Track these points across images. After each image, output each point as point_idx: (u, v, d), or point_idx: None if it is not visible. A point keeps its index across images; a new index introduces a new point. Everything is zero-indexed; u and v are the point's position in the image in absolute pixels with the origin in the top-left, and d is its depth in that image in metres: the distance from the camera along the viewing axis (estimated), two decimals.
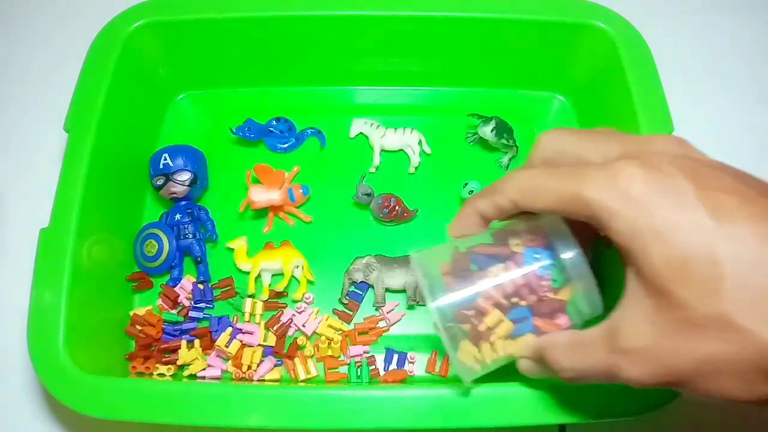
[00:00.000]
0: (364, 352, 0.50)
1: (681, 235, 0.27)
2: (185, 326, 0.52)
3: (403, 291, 0.53)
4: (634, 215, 0.28)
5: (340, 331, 0.52)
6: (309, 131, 0.61)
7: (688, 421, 0.50)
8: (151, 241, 0.54)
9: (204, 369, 0.50)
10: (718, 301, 0.26)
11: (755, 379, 0.26)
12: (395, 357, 0.51)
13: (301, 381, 0.50)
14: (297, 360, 0.50)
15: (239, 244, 0.54)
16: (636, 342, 0.29)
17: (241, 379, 0.49)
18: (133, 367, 0.49)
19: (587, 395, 0.41)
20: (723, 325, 0.26)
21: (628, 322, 0.29)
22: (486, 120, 0.57)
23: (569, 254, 0.34)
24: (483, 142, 0.60)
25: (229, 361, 0.50)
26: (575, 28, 0.55)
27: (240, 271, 0.54)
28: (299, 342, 0.51)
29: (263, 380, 0.49)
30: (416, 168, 0.59)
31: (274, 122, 0.61)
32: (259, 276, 0.54)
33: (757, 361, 0.26)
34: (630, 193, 0.28)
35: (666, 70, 0.53)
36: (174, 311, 0.53)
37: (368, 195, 0.55)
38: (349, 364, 0.50)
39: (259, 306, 0.52)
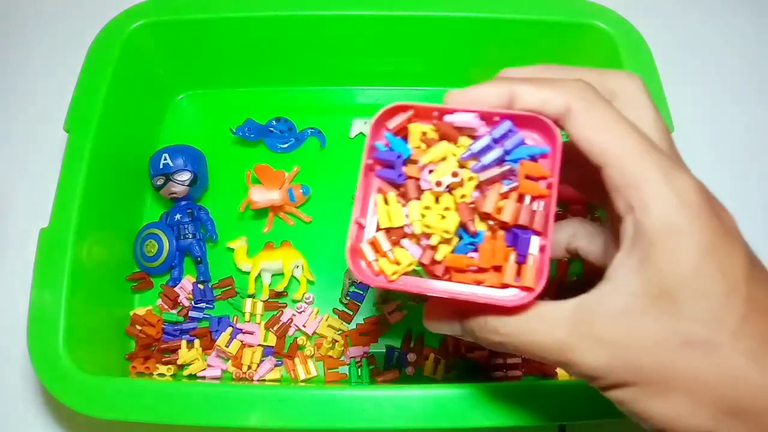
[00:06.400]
0: (365, 352, 0.51)
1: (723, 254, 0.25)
2: (185, 326, 0.52)
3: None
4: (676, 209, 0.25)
5: (340, 331, 0.52)
6: (309, 131, 0.61)
7: None
8: (151, 241, 0.54)
9: (204, 369, 0.50)
10: (724, 328, 0.24)
11: (707, 410, 0.25)
12: (395, 357, 0.51)
13: (301, 381, 0.50)
14: (297, 360, 0.50)
15: (239, 244, 0.54)
16: (607, 332, 0.26)
17: (241, 379, 0.49)
18: (133, 367, 0.49)
19: (587, 395, 0.41)
20: (714, 350, 0.25)
21: (607, 309, 0.26)
22: None
23: None
24: None
25: (229, 361, 0.50)
26: (575, 28, 0.55)
27: (240, 271, 0.54)
28: (299, 342, 0.51)
29: (263, 380, 0.49)
30: None
31: (274, 122, 0.61)
32: (259, 276, 0.54)
33: (725, 394, 0.25)
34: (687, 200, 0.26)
35: (666, 70, 0.53)
36: (174, 311, 0.53)
37: None
38: (349, 364, 0.50)
39: (259, 306, 0.52)
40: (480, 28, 0.56)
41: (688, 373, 0.25)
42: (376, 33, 0.57)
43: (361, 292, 0.54)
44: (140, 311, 0.52)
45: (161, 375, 0.49)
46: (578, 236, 0.35)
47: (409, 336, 0.52)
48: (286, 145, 0.60)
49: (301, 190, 0.56)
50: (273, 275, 0.54)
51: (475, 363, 0.49)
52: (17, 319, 0.47)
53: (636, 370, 0.26)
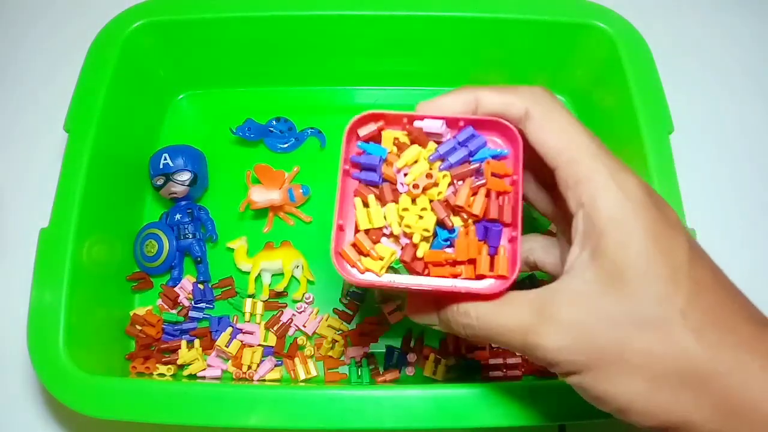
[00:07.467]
0: (364, 352, 0.51)
1: (670, 240, 0.28)
2: (185, 326, 0.52)
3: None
4: (624, 200, 0.28)
5: (340, 331, 0.52)
6: (309, 131, 0.61)
7: None
8: (151, 241, 0.54)
9: (204, 369, 0.50)
10: (672, 308, 0.26)
11: (664, 387, 0.26)
12: (395, 357, 0.51)
13: (301, 381, 0.50)
14: (297, 360, 0.50)
15: (239, 244, 0.54)
16: (567, 314, 0.28)
17: (241, 379, 0.49)
18: (133, 367, 0.49)
19: None
20: (666, 327, 0.26)
21: (567, 294, 0.28)
22: None
23: None
24: None
25: (229, 361, 0.50)
26: (575, 28, 0.55)
27: (240, 271, 0.54)
28: (299, 342, 0.51)
29: (263, 380, 0.49)
30: None
31: (274, 122, 0.61)
32: (259, 276, 0.54)
33: (678, 371, 0.26)
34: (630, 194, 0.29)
35: (666, 70, 0.53)
36: (174, 311, 0.53)
37: None
38: (349, 364, 0.50)
39: (259, 306, 0.52)
40: (480, 28, 0.56)
41: (643, 351, 0.27)
42: (376, 33, 0.57)
43: (361, 292, 0.54)
44: (140, 311, 0.52)
45: (161, 375, 0.49)
46: (534, 250, 0.37)
47: (409, 336, 0.52)
48: (286, 145, 0.60)
49: (301, 190, 0.56)
50: (273, 275, 0.54)
51: (475, 363, 0.49)
52: (17, 319, 0.47)
53: (594, 349, 0.27)
